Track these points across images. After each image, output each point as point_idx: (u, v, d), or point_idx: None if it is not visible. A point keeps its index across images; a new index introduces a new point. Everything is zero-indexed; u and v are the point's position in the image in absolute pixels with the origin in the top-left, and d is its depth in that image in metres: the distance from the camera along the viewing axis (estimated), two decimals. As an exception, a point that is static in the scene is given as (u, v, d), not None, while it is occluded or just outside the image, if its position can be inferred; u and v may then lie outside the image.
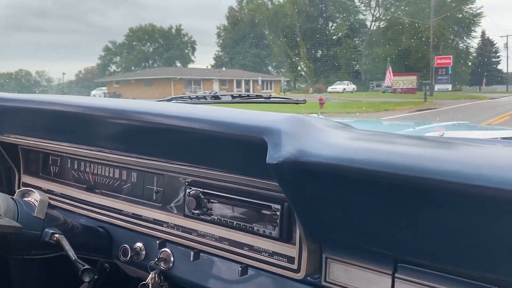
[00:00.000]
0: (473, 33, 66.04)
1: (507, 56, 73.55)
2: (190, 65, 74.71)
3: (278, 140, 1.00)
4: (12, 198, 1.25)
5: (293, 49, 64.66)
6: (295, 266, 1.14)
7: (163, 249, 1.39)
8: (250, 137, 1.07)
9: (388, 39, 59.37)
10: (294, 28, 64.29)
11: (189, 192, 1.32)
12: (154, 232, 1.43)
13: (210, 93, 2.44)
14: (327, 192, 0.98)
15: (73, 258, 1.23)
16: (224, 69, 71.69)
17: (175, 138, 1.26)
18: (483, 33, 70.76)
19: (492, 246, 0.80)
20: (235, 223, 1.24)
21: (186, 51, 78.45)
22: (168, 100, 2.34)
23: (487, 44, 71.62)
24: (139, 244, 1.44)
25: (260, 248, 1.21)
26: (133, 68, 70.16)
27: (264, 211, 1.18)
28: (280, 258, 1.17)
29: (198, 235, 1.33)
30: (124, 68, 72.12)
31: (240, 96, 2.38)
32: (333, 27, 70.01)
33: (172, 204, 1.40)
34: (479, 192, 0.76)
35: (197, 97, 2.39)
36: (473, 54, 71.56)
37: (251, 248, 1.23)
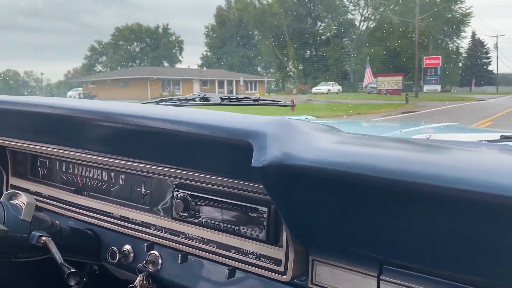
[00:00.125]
0: (463, 33, 66.35)
1: (497, 56, 74.11)
2: (178, 65, 74.30)
3: (263, 143, 1.01)
4: None
5: (281, 50, 64.54)
6: (281, 269, 1.15)
7: (151, 252, 1.39)
8: (236, 140, 1.08)
9: (377, 39, 59.47)
10: (282, 27, 64.19)
11: (176, 195, 1.33)
12: (142, 234, 1.43)
13: (199, 95, 2.45)
14: (312, 195, 0.99)
15: (59, 261, 1.23)
16: (205, 69, 70.50)
17: (162, 141, 1.26)
18: (474, 33, 71.03)
19: (475, 248, 0.81)
20: (222, 225, 1.25)
21: (174, 51, 78.08)
22: (157, 102, 2.35)
23: (477, 44, 71.77)
24: (127, 247, 1.44)
25: (247, 250, 1.22)
26: (119, 68, 69.52)
27: (251, 214, 1.19)
28: (267, 260, 1.18)
29: (186, 238, 1.34)
30: (110, 68, 71.48)
31: (229, 98, 2.39)
32: (321, 27, 70.04)
33: (160, 207, 1.41)
34: (461, 196, 0.77)
35: (186, 99, 2.40)
36: (464, 55, 71.69)
37: (238, 250, 1.24)
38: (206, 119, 1.18)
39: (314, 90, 50.79)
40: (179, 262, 1.33)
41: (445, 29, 64.06)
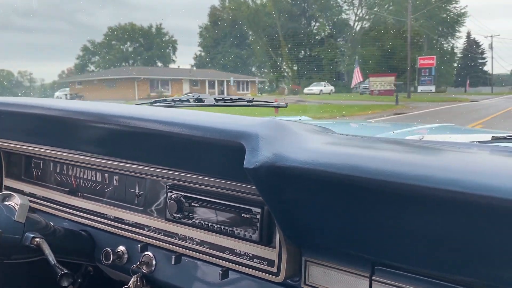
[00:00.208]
0: (457, 33, 66.28)
1: (492, 57, 74.17)
2: (172, 65, 73.96)
3: (255, 144, 1.02)
4: None
5: (275, 50, 64.41)
6: (275, 269, 1.16)
7: (145, 253, 1.40)
8: (229, 141, 1.08)
9: (371, 39, 59.40)
10: (276, 27, 64.07)
11: (170, 196, 1.33)
12: (136, 235, 1.43)
13: (193, 96, 2.45)
14: (304, 196, 1.00)
15: (53, 263, 1.23)
16: (195, 69, 69.75)
17: (156, 142, 1.27)
18: (469, 34, 70.96)
19: (466, 249, 0.82)
20: (216, 226, 1.26)
21: (167, 51, 77.78)
22: (151, 103, 2.35)
23: (472, 45, 71.73)
24: (121, 248, 1.45)
25: (240, 251, 1.23)
26: (112, 68, 69.11)
27: (245, 215, 1.19)
28: (260, 261, 1.19)
29: (180, 239, 1.34)
30: (103, 68, 71.04)
31: (223, 99, 2.39)
32: (315, 27, 69.96)
33: (154, 208, 1.41)
34: (451, 197, 0.78)
35: (180, 100, 2.40)
36: (459, 55, 71.55)
37: (231, 251, 1.24)
38: (199, 120, 1.18)
39: (305, 90, 50.11)
40: (173, 263, 1.33)
41: (440, 29, 64.05)
